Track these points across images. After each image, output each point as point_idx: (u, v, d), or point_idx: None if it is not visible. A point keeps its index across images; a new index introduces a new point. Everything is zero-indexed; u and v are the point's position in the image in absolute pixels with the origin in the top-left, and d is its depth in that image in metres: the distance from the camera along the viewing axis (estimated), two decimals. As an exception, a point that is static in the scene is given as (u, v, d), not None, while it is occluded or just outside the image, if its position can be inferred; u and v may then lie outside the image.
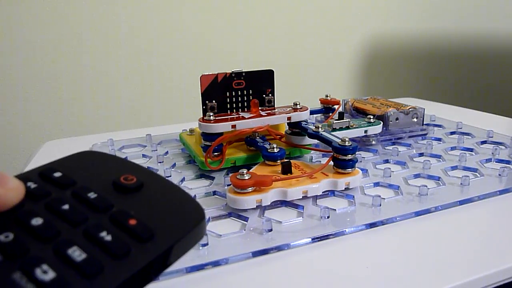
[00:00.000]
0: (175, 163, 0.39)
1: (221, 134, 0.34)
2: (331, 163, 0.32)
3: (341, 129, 0.37)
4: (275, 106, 0.39)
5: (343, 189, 0.31)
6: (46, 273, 0.12)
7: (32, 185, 0.16)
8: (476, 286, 0.22)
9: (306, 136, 0.36)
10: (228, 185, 0.33)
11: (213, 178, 0.35)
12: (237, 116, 0.36)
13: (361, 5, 0.86)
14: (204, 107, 0.37)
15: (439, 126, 0.49)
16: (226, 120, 0.34)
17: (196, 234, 0.16)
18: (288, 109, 0.37)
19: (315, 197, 0.30)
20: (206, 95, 0.37)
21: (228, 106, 0.38)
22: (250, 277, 0.23)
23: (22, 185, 0.15)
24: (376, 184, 0.33)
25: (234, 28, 0.77)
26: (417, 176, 0.35)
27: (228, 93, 0.37)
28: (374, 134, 0.40)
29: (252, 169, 0.32)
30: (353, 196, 0.31)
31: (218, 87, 0.37)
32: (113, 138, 0.45)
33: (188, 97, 0.76)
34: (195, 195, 0.32)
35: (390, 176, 0.34)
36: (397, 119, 0.43)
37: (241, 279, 0.22)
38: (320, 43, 0.85)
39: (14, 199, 0.15)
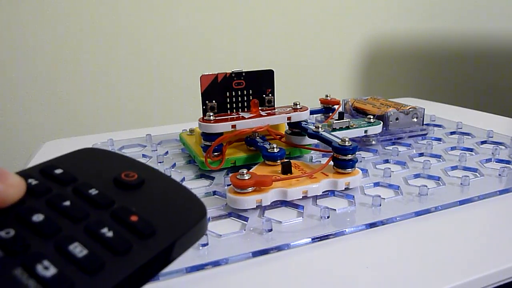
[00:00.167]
0: (175, 163, 0.39)
1: (221, 134, 0.34)
2: (331, 163, 0.32)
3: (341, 129, 0.37)
4: (275, 106, 0.39)
5: (343, 189, 0.31)
6: (47, 269, 0.12)
7: (33, 181, 0.16)
8: (476, 286, 0.22)
9: (306, 136, 0.36)
10: (228, 185, 0.33)
11: (213, 178, 0.35)
12: (237, 116, 0.36)
13: (361, 5, 0.86)
14: (204, 107, 0.37)
15: (439, 126, 0.49)
16: (226, 120, 0.34)
17: (198, 231, 0.16)
18: (288, 109, 0.37)
19: (315, 197, 0.30)
20: (206, 95, 0.37)
21: (228, 106, 0.38)
22: (250, 277, 0.23)
23: (23, 182, 0.15)
24: (376, 184, 0.33)
25: (234, 28, 0.77)
26: (417, 176, 0.35)
27: (228, 93, 0.37)
28: (374, 134, 0.40)
29: (252, 169, 0.32)
30: (353, 196, 0.31)
31: (218, 87, 0.37)
32: (113, 138, 0.45)
33: (188, 97, 0.76)
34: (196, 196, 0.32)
35: (390, 176, 0.34)
36: (397, 119, 0.43)
37: (241, 279, 0.22)
38: (320, 43, 0.85)
39: (15, 195, 0.15)
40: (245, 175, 0.28)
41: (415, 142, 0.43)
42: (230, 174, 0.30)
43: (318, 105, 0.46)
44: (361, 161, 0.38)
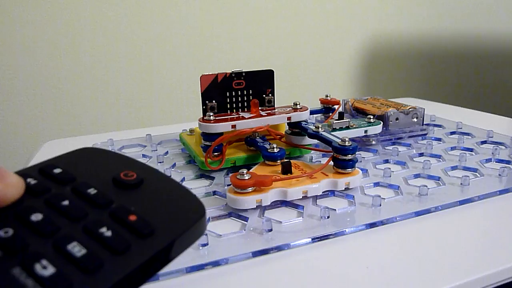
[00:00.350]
0: (175, 163, 0.39)
1: (221, 134, 0.34)
2: (331, 163, 0.31)
3: (341, 129, 0.37)
4: (275, 106, 0.39)
5: (343, 189, 0.31)
6: (46, 269, 0.12)
7: (32, 181, 0.16)
8: (476, 286, 0.22)
9: (306, 136, 0.36)
10: (228, 185, 0.33)
11: (213, 178, 0.35)
12: (237, 116, 0.36)
13: (361, 5, 0.86)
14: (204, 107, 0.37)
15: (439, 126, 0.49)
16: (226, 120, 0.34)
17: (196, 230, 0.16)
18: (288, 109, 0.37)
19: (315, 197, 0.30)
20: (206, 95, 0.37)
21: (228, 106, 0.38)
22: (250, 277, 0.22)
23: (22, 181, 0.15)
24: (376, 184, 0.33)
25: (234, 28, 0.77)
26: (417, 176, 0.35)
27: (228, 93, 0.37)
28: (374, 134, 0.40)
29: (252, 169, 0.32)
30: (353, 196, 0.31)
31: (218, 87, 0.37)
32: (113, 138, 0.45)
33: (188, 97, 0.76)
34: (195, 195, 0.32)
35: (390, 176, 0.34)
36: (397, 119, 0.43)
37: (241, 279, 0.22)
38: (320, 43, 0.85)
39: (14, 194, 0.15)
40: (245, 175, 0.28)
41: (415, 142, 0.43)
42: (230, 174, 0.29)
43: (318, 105, 0.46)
44: (361, 161, 0.38)
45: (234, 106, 0.38)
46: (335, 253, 0.24)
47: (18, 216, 0.14)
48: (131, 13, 0.69)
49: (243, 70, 0.37)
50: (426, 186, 0.31)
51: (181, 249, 0.15)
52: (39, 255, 0.13)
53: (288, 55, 0.82)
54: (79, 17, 0.67)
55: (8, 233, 0.13)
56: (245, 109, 0.38)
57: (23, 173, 0.16)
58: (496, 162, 0.38)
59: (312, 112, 0.44)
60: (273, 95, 0.39)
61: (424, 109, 0.44)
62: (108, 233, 0.14)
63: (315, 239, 0.25)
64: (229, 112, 0.38)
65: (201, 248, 0.24)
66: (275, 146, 0.33)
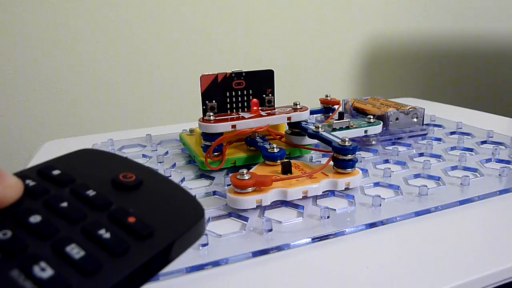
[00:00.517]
0: (175, 163, 0.38)
1: (221, 134, 0.34)
2: (331, 163, 0.31)
3: (341, 129, 0.37)
4: (275, 106, 0.39)
5: (343, 189, 0.31)
6: (44, 271, 0.12)
7: (30, 182, 0.16)
8: (476, 286, 0.22)
9: (306, 136, 0.36)
10: (228, 185, 0.33)
11: (213, 178, 0.35)
12: (237, 116, 0.36)
13: (361, 5, 0.86)
14: (204, 107, 0.37)
15: (439, 126, 0.49)
16: (226, 120, 0.34)
17: (195, 232, 0.16)
18: (288, 109, 0.37)
19: (315, 197, 0.30)
20: (206, 95, 0.37)
21: (228, 106, 0.38)
22: (250, 277, 0.22)
23: (20, 183, 0.15)
24: (376, 184, 0.33)
25: (234, 28, 0.77)
26: (417, 176, 0.35)
27: (228, 93, 0.37)
28: (374, 134, 0.40)
29: (252, 169, 0.32)
30: (353, 196, 0.31)
31: (218, 87, 0.37)
32: (113, 138, 0.45)
33: (188, 97, 0.76)
34: (195, 195, 0.31)
35: (390, 176, 0.34)
36: (397, 119, 0.43)
37: (241, 279, 0.22)
38: (320, 43, 0.84)
39: (12, 196, 0.15)
40: (245, 175, 0.28)
41: (415, 142, 0.43)
42: (230, 174, 0.29)
43: (318, 105, 0.46)
44: (361, 161, 0.38)
45: (234, 106, 0.38)
46: (335, 253, 0.24)
47: (16, 218, 0.14)
48: (131, 13, 0.69)
49: (243, 70, 0.37)
50: (426, 186, 0.31)
51: (180, 250, 0.15)
52: (38, 257, 0.13)
53: (288, 55, 0.82)
54: (79, 17, 0.67)
55: (7, 235, 0.13)
56: (245, 109, 0.38)
57: (22, 175, 0.16)
58: (496, 162, 0.38)
59: (312, 112, 0.44)
60: (273, 95, 0.39)
61: (424, 109, 0.44)
62: (107, 235, 0.14)
63: (315, 239, 0.25)
64: (229, 112, 0.38)
65: (201, 248, 0.24)
66: (275, 146, 0.33)
